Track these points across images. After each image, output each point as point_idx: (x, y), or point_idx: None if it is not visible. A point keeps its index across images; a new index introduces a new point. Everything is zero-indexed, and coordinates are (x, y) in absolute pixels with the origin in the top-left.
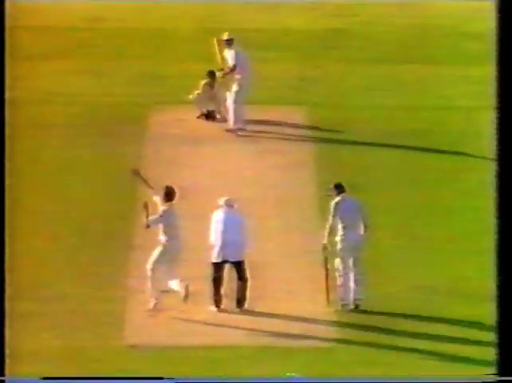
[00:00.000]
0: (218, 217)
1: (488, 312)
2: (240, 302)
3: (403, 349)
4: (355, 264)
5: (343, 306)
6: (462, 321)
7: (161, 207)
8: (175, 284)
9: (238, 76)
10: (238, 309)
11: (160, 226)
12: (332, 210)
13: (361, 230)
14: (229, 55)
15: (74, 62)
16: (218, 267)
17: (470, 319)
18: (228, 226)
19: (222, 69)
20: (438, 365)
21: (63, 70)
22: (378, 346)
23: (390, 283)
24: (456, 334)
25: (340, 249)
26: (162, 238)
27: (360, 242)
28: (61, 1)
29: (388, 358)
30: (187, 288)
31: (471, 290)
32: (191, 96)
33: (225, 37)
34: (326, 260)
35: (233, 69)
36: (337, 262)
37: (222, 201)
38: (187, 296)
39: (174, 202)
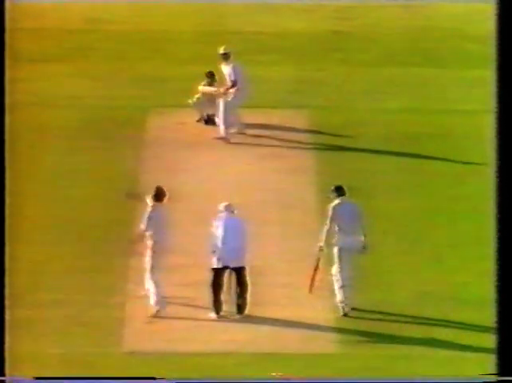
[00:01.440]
0: (218, 223)
1: (488, 315)
2: (240, 308)
3: (405, 354)
4: (349, 267)
5: (342, 308)
6: (463, 325)
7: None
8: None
9: (234, 89)
10: (238, 316)
11: (148, 227)
12: (329, 212)
13: (359, 235)
14: (227, 70)
15: (73, 65)
16: (218, 273)
17: (471, 322)
18: (229, 231)
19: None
20: (438, 366)
21: (62, 73)
22: (379, 352)
23: (391, 288)
24: (457, 337)
25: (336, 252)
26: (148, 242)
27: (356, 246)
28: (60, 3)
29: (390, 364)
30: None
31: (471, 295)
32: (190, 101)
33: (221, 50)
34: (318, 260)
35: (234, 85)
36: (334, 267)
37: (222, 207)
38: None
39: (164, 203)
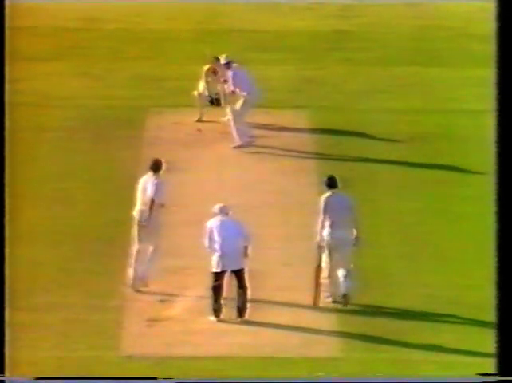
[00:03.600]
0: (214, 225)
1: (490, 319)
2: (241, 310)
3: (407, 358)
4: (343, 260)
5: (328, 297)
6: (466, 328)
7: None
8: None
9: (243, 94)
10: (238, 319)
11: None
12: (322, 205)
13: (351, 228)
14: (229, 79)
15: (70, 64)
16: (217, 276)
17: (474, 326)
18: (226, 235)
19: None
20: (440, 370)
21: (59, 72)
22: (381, 355)
23: (393, 291)
24: (459, 340)
25: (327, 244)
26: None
27: (348, 239)
28: (57, 2)
29: (391, 367)
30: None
31: (474, 299)
32: (195, 92)
33: (223, 60)
34: (320, 258)
35: (233, 92)
36: (323, 257)
37: (216, 209)
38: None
39: (160, 173)
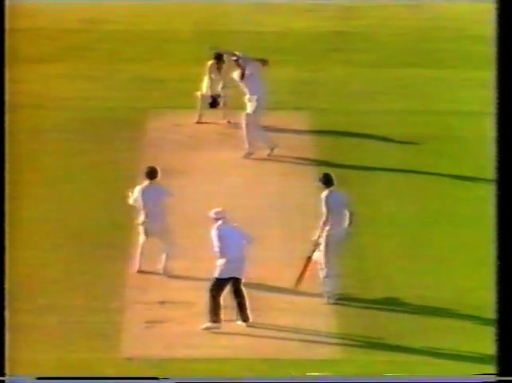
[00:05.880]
0: (224, 231)
1: (491, 321)
2: (244, 317)
3: (406, 360)
4: (337, 257)
5: (328, 297)
6: (464, 328)
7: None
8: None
9: (254, 96)
10: (243, 324)
11: (139, 203)
12: (324, 203)
13: (346, 224)
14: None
15: (70, 65)
16: (222, 283)
17: (471, 324)
18: (233, 240)
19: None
20: (440, 372)
21: (59, 74)
22: (381, 357)
23: (393, 293)
24: (459, 342)
25: (325, 243)
26: (140, 218)
27: (344, 235)
28: (57, 3)
29: (391, 368)
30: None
31: (475, 300)
32: (198, 93)
33: (234, 57)
34: (314, 251)
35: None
36: (320, 255)
37: (215, 214)
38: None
39: (157, 180)
